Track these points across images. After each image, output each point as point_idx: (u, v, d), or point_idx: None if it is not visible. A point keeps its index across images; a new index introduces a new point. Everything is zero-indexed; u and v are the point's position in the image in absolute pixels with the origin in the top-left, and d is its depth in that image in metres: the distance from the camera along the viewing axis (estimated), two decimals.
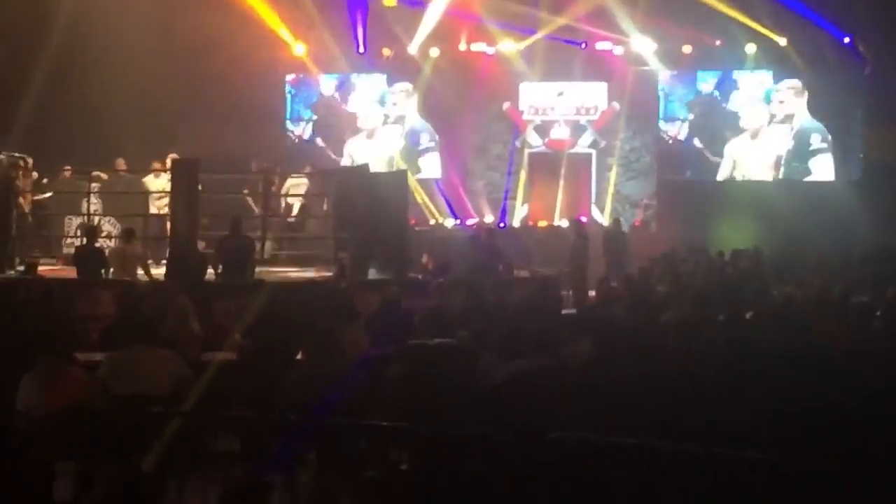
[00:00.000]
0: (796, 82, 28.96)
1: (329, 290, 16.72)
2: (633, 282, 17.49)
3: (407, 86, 30.86)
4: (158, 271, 18.83)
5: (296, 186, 25.27)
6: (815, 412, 8.06)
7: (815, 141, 28.84)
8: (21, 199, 21.33)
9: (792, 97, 29.03)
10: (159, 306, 13.70)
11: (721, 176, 29.30)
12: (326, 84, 31.15)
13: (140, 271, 18.71)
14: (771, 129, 29.25)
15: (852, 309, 13.07)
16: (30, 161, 21.87)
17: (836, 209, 25.56)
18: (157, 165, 22.84)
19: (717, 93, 29.72)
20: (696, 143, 29.73)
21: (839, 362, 9.95)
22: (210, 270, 18.66)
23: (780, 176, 29.06)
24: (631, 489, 7.07)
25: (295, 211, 25.14)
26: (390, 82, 30.94)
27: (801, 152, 28.92)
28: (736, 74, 29.59)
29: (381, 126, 30.98)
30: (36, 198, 22.80)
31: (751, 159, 29.23)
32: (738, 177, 29.22)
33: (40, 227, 22.90)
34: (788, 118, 29.10)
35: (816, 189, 27.84)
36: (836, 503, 6.72)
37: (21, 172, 21.37)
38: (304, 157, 30.36)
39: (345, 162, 29.93)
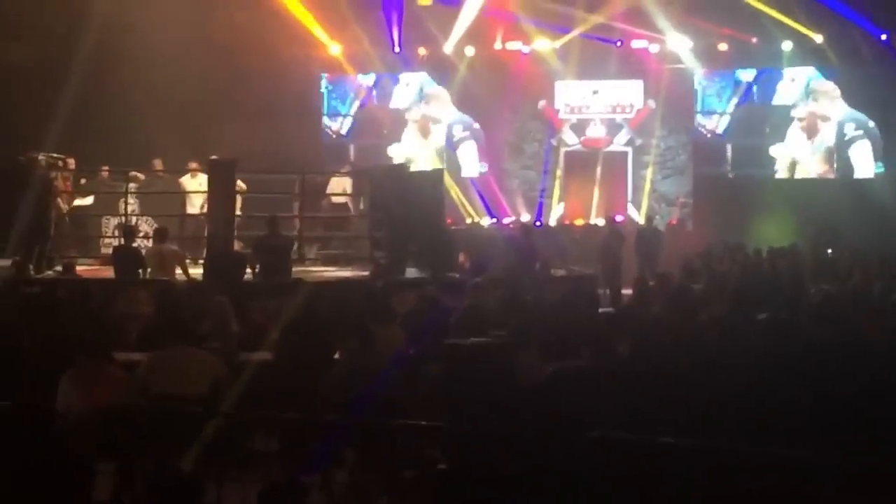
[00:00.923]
0: (830, 85, 28.72)
1: (366, 289, 16.72)
2: (669, 280, 17.43)
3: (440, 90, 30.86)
4: (197, 271, 18.86)
5: (337, 185, 25.36)
6: (855, 410, 8.02)
7: (850, 130, 28.57)
8: (59, 200, 21.42)
9: (823, 99, 28.78)
10: (197, 306, 13.75)
11: (781, 174, 29.00)
12: (364, 80, 31.13)
13: (178, 270, 18.76)
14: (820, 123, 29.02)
15: (892, 306, 13.01)
16: (71, 162, 21.96)
17: (875, 205, 25.41)
18: (193, 165, 22.87)
19: (755, 87, 29.48)
20: (735, 137, 29.43)
21: (878, 360, 9.89)
22: (248, 270, 18.73)
23: (835, 169, 28.76)
24: (671, 488, 7.05)
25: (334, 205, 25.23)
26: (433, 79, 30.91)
27: (840, 143, 28.68)
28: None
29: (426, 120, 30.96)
30: (77, 203, 22.87)
31: (807, 155, 28.97)
32: (799, 174, 28.90)
33: (78, 227, 22.96)
34: (824, 117, 28.86)
35: (855, 185, 27.64)
36: (879, 501, 6.69)
37: (60, 173, 21.45)
38: (342, 154, 30.50)
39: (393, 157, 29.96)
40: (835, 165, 28.78)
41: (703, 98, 29.86)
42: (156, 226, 21.71)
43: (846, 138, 28.66)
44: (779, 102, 29.29)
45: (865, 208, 25.35)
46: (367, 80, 31.23)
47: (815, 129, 28.94)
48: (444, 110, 30.92)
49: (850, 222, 24.35)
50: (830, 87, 28.75)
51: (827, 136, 28.80)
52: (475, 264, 19.63)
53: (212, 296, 13.98)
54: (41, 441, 8.84)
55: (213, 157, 21.35)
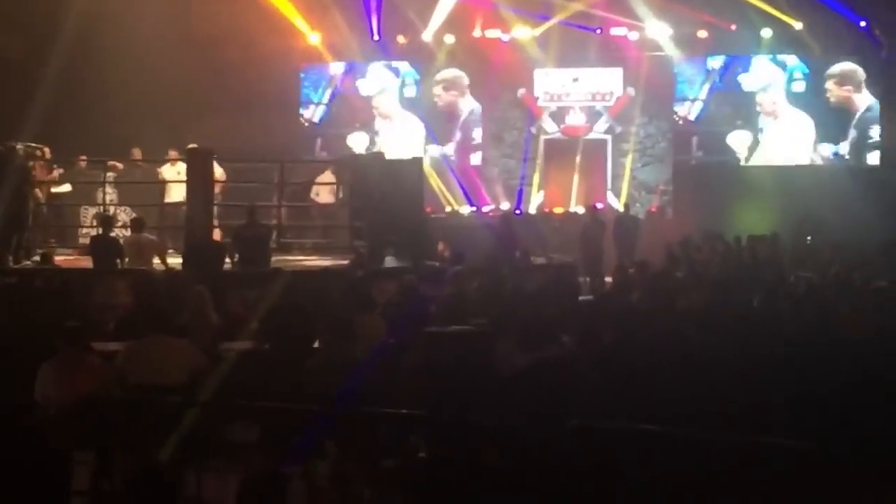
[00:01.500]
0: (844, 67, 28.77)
1: (345, 278, 16.70)
2: (648, 268, 17.45)
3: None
4: (176, 260, 18.81)
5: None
6: (834, 397, 8.03)
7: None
8: (37, 190, 21.34)
9: (834, 86, 28.81)
10: (176, 296, 13.71)
11: (741, 153, 29.08)
12: (335, 68, 31.01)
13: (156, 260, 18.71)
14: (793, 112, 29.04)
15: (872, 295, 13.05)
16: (47, 151, 21.87)
17: (854, 194, 25.43)
18: (173, 154, 22.77)
19: (717, 76, 29.48)
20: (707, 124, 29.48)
21: (859, 348, 9.91)
22: (226, 259, 18.70)
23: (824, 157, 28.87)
24: (650, 476, 7.05)
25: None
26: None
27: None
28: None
29: (399, 110, 30.87)
30: (54, 190, 22.76)
31: (777, 141, 29.01)
32: (761, 158, 28.97)
33: (56, 217, 22.86)
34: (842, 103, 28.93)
35: (835, 174, 27.66)
36: (854, 488, 6.69)
37: (37, 163, 21.37)
38: (317, 142, 30.48)
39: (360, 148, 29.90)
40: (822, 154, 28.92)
41: (676, 86, 29.87)
42: (134, 215, 21.65)
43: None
44: (748, 89, 29.34)
45: (844, 196, 25.34)
46: (338, 68, 31.09)
47: (774, 115, 29.06)
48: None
49: (831, 209, 24.36)
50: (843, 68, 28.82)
51: (806, 126, 28.88)
52: (454, 253, 19.62)
53: (190, 285, 13.93)
54: (20, 430, 8.81)
55: (192, 146, 21.27)
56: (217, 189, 21.07)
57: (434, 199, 28.13)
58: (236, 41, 27.16)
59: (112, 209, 22.32)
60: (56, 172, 22.53)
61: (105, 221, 20.00)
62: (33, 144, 21.17)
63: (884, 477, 6.61)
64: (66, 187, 22.99)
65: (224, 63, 27.49)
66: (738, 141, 29.15)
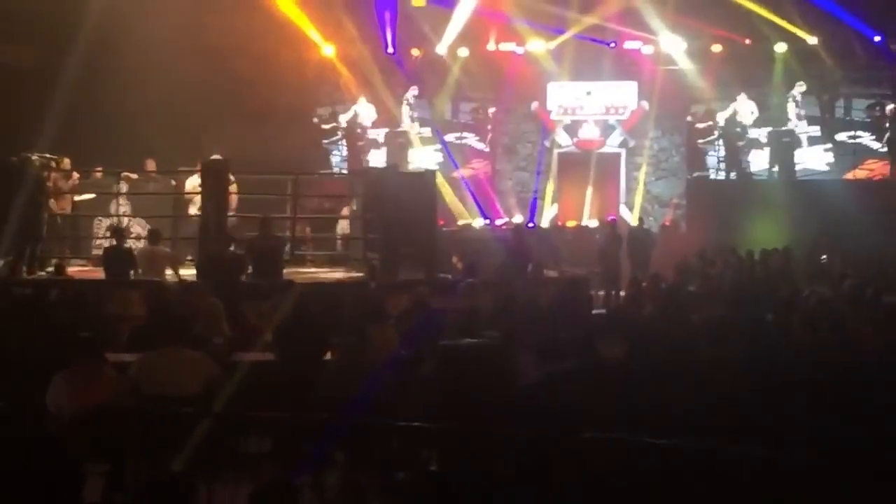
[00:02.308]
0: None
1: (359, 290, 16.71)
2: (661, 282, 17.42)
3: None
4: (191, 272, 18.82)
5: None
6: (848, 412, 8.01)
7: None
8: (53, 201, 21.39)
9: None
10: (190, 307, 13.72)
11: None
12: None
13: (169, 271, 18.73)
14: None
15: (885, 309, 13.00)
16: (66, 162, 21.97)
17: (869, 208, 25.38)
18: (197, 167, 22.72)
19: None
20: None
21: (871, 363, 9.89)
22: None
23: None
24: (664, 489, 7.04)
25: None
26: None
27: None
28: None
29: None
30: (77, 199, 22.82)
31: None
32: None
33: (70, 228, 22.88)
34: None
35: (848, 188, 27.64)
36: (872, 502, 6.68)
37: (51, 173, 21.45)
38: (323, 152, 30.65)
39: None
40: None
41: None
42: (148, 227, 21.68)
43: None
44: None
45: (861, 210, 25.29)
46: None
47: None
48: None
49: (848, 223, 24.32)
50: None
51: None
52: (466, 266, 19.64)
53: (204, 296, 13.94)
54: (32, 441, 8.82)
55: (216, 157, 21.31)
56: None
57: (447, 211, 28.13)
58: (250, 53, 27.20)
59: (125, 220, 22.34)
60: (75, 177, 22.56)
61: (118, 233, 20.04)
62: (48, 155, 21.24)
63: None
64: (89, 196, 23.01)
65: (238, 75, 27.52)
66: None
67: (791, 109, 28.66)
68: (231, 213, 20.98)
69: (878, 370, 9.42)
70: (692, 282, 18.48)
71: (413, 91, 30.38)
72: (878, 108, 28.94)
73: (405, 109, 30.49)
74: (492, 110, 30.99)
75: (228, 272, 17.47)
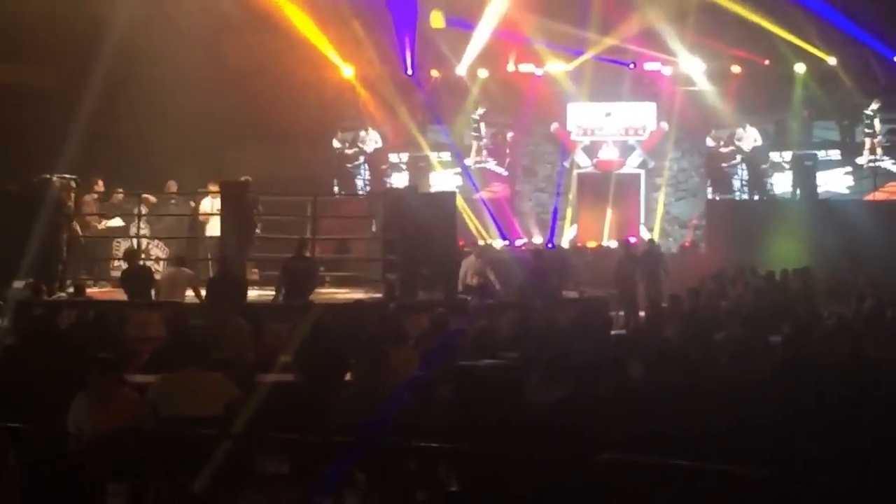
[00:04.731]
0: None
1: (378, 311, 16.72)
2: (682, 302, 17.42)
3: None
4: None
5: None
6: (868, 434, 8.00)
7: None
8: (75, 223, 21.52)
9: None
10: (214, 329, 13.76)
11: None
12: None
13: (190, 293, 18.81)
14: None
15: None
16: (100, 184, 22.23)
17: (890, 230, 25.34)
18: (213, 188, 22.77)
19: None
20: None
21: (892, 383, 9.88)
22: (272, 292, 18.85)
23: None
24: None
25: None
26: None
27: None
28: None
29: None
30: (107, 225, 22.94)
31: None
32: None
33: (91, 250, 22.93)
34: None
35: (868, 208, 27.60)
36: None
37: (81, 195, 21.67)
38: (353, 178, 30.68)
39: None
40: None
41: None
42: (166, 249, 21.77)
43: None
44: None
45: (882, 231, 25.25)
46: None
47: None
48: None
49: (866, 244, 24.30)
50: None
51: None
52: (480, 287, 19.67)
53: (232, 317, 14.00)
54: (54, 462, 8.85)
55: (245, 178, 21.40)
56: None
57: (467, 232, 28.14)
58: (270, 74, 27.28)
59: (144, 242, 22.41)
60: (89, 198, 22.66)
61: (131, 255, 20.16)
62: (68, 176, 21.33)
63: None
64: (118, 221, 23.06)
65: (258, 96, 27.58)
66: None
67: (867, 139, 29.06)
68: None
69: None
70: (712, 302, 18.46)
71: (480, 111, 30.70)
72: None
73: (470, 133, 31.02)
74: (510, 135, 31.01)
75: (235, 294, 17.53)
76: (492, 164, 31.19)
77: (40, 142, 24.17)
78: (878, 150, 28.95)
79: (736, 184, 29.84)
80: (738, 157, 29.44)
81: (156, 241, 23.02)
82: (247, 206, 20.66)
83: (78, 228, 21.76)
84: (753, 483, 6.90)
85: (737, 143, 29.45)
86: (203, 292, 18.66)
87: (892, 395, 9.16)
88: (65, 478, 8.42)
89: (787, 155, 29.24)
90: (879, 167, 29.09)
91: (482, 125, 31.00)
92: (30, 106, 25.89)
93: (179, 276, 19.20)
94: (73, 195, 21.53)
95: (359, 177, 31.52)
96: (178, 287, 18.98)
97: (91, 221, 22.62)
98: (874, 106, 28.63)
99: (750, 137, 29.12)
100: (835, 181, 29.27)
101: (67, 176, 21.34)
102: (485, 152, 31.12)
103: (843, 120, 29.45)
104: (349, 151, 31.45)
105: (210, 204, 22.75)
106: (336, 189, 30.64)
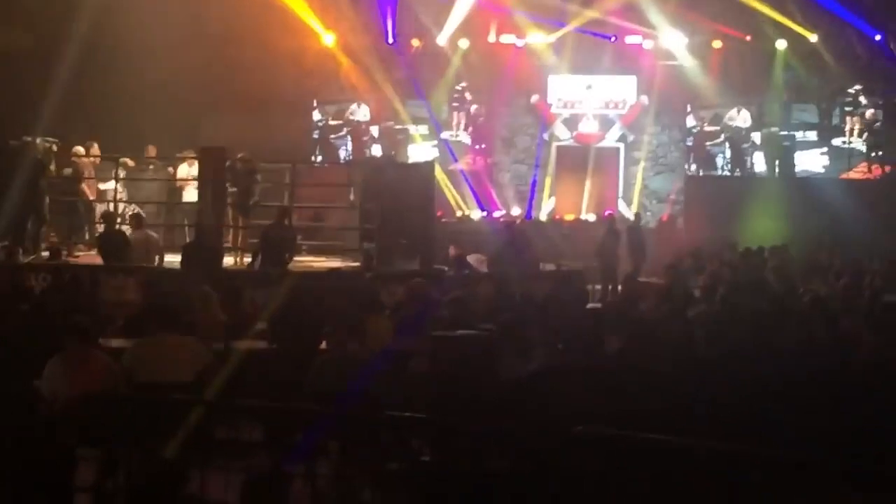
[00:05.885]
0: None
1: (354, 280, 16.71)
2: (657, 278, 17.47)
3: None
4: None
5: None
6: (841, 410, 8.02)
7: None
8: (84, 186, 21.51)
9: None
10: (182, 295, 13.72)
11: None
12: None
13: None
14: None
15: (880, 308, 13.02)
16: (95, 147, 22.19)
17: (867, 208, 25.42)
18: (190, 154, 22.69)
19: None
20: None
21: (866, 361, 9.91)
22: (248, 258, 18.83)
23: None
24: (655, 485, 7.03)
25: None
26: None
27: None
28: None
29: None
30: (102, 187, 22.85)
31: None
32: None
33: (69, 213, 22.79)
34: None
35: (848, 187, 27.67)
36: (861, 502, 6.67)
37: (87, 160, 21.69)
38: (336, 149, 30.64)
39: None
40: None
41: None
42: (142, 213, 21.71)
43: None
44: None
45: (858, 208, 25.34)
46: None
47: None
48: None
49: (843, 221, 24.39)
50: None
51: None
52: (455, 258, 19.66)
53: (197, 284, 13.94)
54: (25, 425, 8.81)
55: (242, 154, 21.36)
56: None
57: (445, 203, 28.13)
58: (250, 40, 27.10)
59: (121, 206, 22.31)
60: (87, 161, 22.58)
61: (108, 218, 20.07)
62: (50, 139, 21.23)
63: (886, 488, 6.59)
64: (111, 184, 22.90)
65: (237, 62, 27.45)
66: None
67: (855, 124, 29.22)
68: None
69: (872, 369, 9.44)
70: (689, 278, 18.48)
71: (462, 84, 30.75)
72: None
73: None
74: (489, 107, 30.91)
75: (209, 261, 17.49)
76: (470, 137, 31.11)
77: (16, 104, 24.00)
78: (856, 131, 29.00)
79: (719, 161, 29.86)
80: (723, 136, 29.45)
81: (132, 206, 22.90)
82: (241, 179, 20.65)
83: (87, 191, 21.74)
84: (725, 458, 6.91)
85: (728, 122, 29.43)
86: (166, 258, 18.66)
87: (867, 372, 9.19)
88: (35, 441, 8.38)
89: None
90: (854, 148, 29.14)
91: (465, 95, 30.91)
92: (6, 69, 25.70)
93: (150, 240, 19.16)
94: (82, 160, 21.57)
95: (342, 148, 31.41)
96: (151, 252, 18.95)
97: (91, 185, 22.52)
98: (857, 87, 28.71)
99: (742, 119, 29.18)
100: (811, 161, 29.31)
101: (50, 139, 21.25)
102: (463, 123, 31.04)
103: (821, 103, 29.48)
104: (333, 123, 31.35)
105: (187, 171, 22.69)
106: (316, 158, 30.56)
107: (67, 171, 21.86)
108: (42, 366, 9.89)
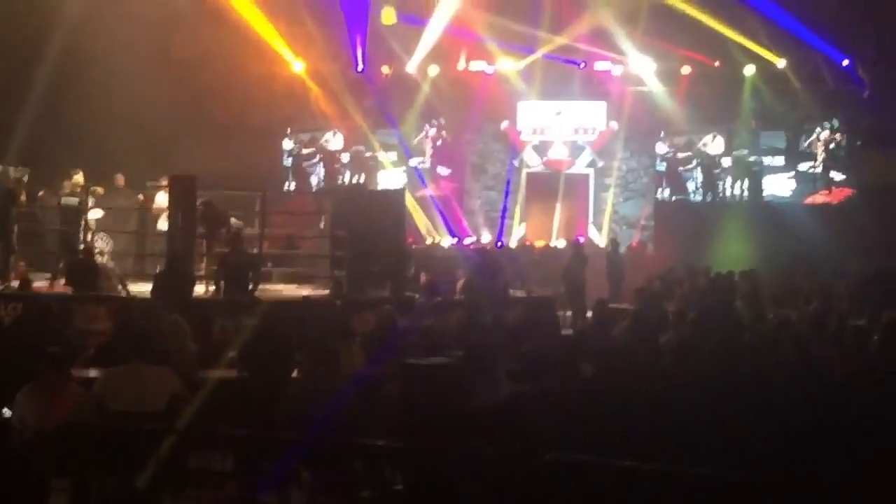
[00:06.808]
0: None
1: (325, 307, 16.69)
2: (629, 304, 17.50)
3: None
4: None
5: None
6: (810, 435, 8.05)
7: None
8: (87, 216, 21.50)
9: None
10: (154, 324, 13.67)
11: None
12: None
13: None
14: None
15: (849, 332, 13.06)
16: (80, 175, 22.09)
17: (832, 232, 25.53)
18: (164, 182, 22.58)
19: None
20: None
21: (836, 386, 9.94)
22: (213, 288, 18.75)
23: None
24: None
25: None
26: None
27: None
28: None
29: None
30: (90, 217, 22.67)
31: None
32: None
33: (38, 241, 22.64)
34: None
35: (813, 211, 27.79)
36: None
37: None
38: (308, 176, 30.69)
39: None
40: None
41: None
42: (110, 241, 21.62)
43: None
44: None
45: (821, 232, 25.45)
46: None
47: None
48: None
49: (812, 246, 24.49)
50: None
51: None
52: (427, 285, 19.67)
53: (167, 314, 13.90)
54: None
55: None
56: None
57: (415, 230, 28.16)
58: (219, 68, 27.11)
59: (89, 235, 22.17)
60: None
61: (87, 249, 20.00)
62: (22, 168, 21.17)
63: None
64: (99, 213, 22.74)
65: (206, 89, 27.45)
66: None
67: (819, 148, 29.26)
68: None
69: (842, 393, 9.47)
70: (658, 303, 18.51)
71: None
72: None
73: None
74: (458, 134, 31.00)
75: (181, 289, 17.41)
76: (440, 163, 31.16)
77: None
78: (821, 157, 29.13)
79: (691, 186, 29.93)
80: (695, 162, 29.56)
81: (101, 234, 22.77)
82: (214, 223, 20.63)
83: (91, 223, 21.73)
84: (698, 484, 6.94)
85: (702, 148, 29.46)
86: (137, 287, 18.62)
87: (837, 397, 9.22)
88: (6, 471, 8.34)
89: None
90: (818, 173, 29.27)
91: (432, 123, 30.97)
92: None
93: (108, 269, 19.14)
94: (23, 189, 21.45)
95: (314, 175, 31.45)
96: (111, 280, 18.93)
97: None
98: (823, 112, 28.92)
99: (716, 145, 29.28)
100: (779, 185, 29.41)
101: (21, 169, 21.18)
102: (433, 151, 31.10)
103: (789, 129, 29.61)
104: (306, 151, 31.40)
105: (164, 198, 22.58)
106: (288, 186, 30.59)
107: (73, 200, 21.76)
108: (12, 396, 9.85)
